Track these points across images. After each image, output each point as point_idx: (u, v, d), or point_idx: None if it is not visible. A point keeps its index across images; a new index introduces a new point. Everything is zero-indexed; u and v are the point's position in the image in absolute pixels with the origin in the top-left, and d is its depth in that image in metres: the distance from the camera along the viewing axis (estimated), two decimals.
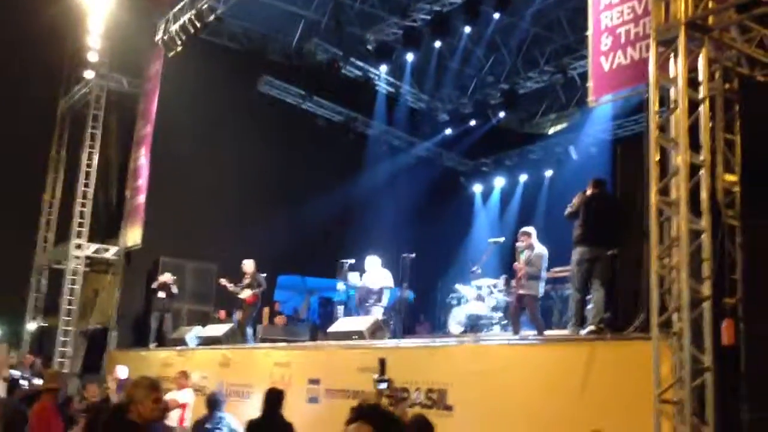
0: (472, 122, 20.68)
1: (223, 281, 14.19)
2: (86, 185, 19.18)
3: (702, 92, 5.88)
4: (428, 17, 16.30)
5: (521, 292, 9.96)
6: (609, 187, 8.95)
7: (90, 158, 19.28)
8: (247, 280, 13.82)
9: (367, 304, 12.19)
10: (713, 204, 5.76)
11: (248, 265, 13.92)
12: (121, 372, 12.80)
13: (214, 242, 16.35)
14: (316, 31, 18.29)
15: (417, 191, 19.46)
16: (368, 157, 19.84)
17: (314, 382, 9.78)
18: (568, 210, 8.89)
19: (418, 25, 16.68)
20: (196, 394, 10.70)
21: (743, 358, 5.57)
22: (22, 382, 11.60)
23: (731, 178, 6.05)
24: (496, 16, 16.44)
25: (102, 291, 19.70)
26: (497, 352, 8.17)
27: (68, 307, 18.51)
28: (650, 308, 5.83)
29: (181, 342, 14.12)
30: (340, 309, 13.85)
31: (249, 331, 13.81)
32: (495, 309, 12.52)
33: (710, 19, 6.01)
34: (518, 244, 10.30)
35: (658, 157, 6.01)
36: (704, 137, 5.83)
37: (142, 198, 17.30)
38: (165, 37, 16.71)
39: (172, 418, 9.74)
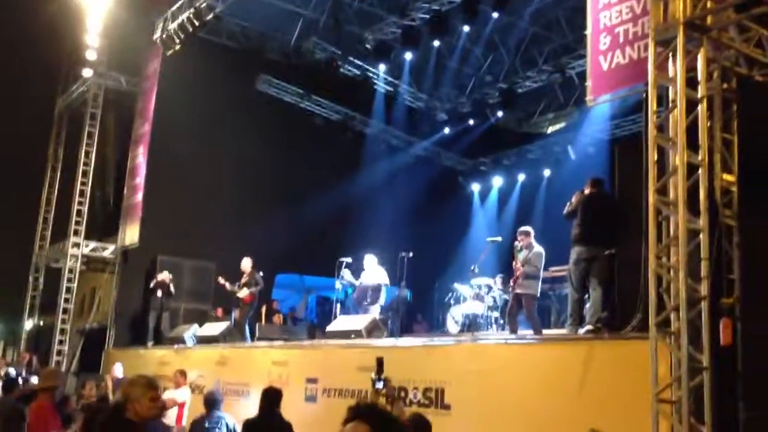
0: (471, 121, 20.70)
1: (221, 280, 14.19)
2: (84, 184, 19.21)
3: (700, 92, 5.88)
4: (427, 16, 16.30)
5: (519, 291, 9.97)
6: (607, 186, 8.95)
7: (88, 157, 19.30)
8: (245, 279, 13.81)
9: (365, 303, 12.19)
10: (711, 203, 5.76)
11: (246, 263, 13.91)
12: (118, 370, 12.81)
13: (211, 241, 16.34)
14: (315, 30, 18.28)
15: (415, 190, 19.47)
16: (366, 156, 19.84)
17: (312, 381, 9.78)
18: (566, 209, 8.90)
19: (416, 24, 16.67)
20: (193, 393, 10.70)
21: (740, 357, 5.58)
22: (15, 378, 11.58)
23: (729, 177, 6.06)
24: (495, 15, 16.43)
25: (99, 289, 19.72)
26: (495, 351, 8.17)
27: (65, 305, 18.51)
28: (648, 308, 5.83)
29: (179, 340, 14.11)
30: (338, 308, 13.85)
31: (247, 329, 13.80)
32: (493, 308, 12.53)
33: (709, 19, 6.01)
34: (516, 243, 10.31)
35: (656, 157, 6.01)
36: (702, 137, 5.83)
37: (139, 196, 17.30)
38: (163, 36, 16.70)
39: (170, 417, 9.73)
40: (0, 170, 21.65)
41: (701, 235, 5.64)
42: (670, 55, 6.04)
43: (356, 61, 19.04)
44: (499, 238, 12.72)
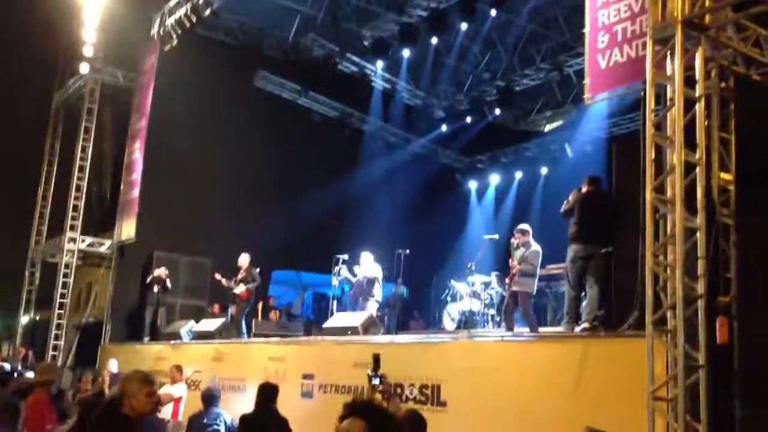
0: (468, 119, 20.70)
1: (218, 276, 14.19)
2: (80, 179, 19.17)
3: (698, 91, 5.89)
4: (425, 13, 16.28)
5: (515, 289, 9.97)
6: (604, 184, 8.96)
7: (84, 152, 19.26)
8: (241, 275, 13.80)
9: (362, 299, 12.20)
10: (708, 202, 5.77)
11: (244, 259, 13.91)
12: (113, 366, 12.79)
13: (208, 237, 16.32)
14: (313, 27, 18.25)
15: (412, 187, 19.49)
16: (364, 153, 19.84)
17: (308, 377, 9.78)
18: (564, 207, 8.90)
19: (414, 22, 16.64)
20: (189, 389, 10.69)
21: (737, 355, 5.59)
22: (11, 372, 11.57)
23: (726, 176, 6.06)
24: (493, 12, 16.43)
25: (96, 284, 19.71)
26: (491, 348, 8.17)
27: (61, 300, 18.50)
28: (644, 306, 5.83)
29: (175, 336, 14.10)
30: (335, 304, 13.86)
31: (243, 325, 13.80)
32: (489, 306, 12.54)
33: (707, 18, 6.02)
34: (513, 240, 10.31)
35: (653, 155, 6.01)
36: (700, 136, 5.83)
37: (136, 192, 17.27)
38: (160, 31, 16.67)
39: (166, 412, 9.73)
40: None
41: (698, 234, 5.65)
42: (668, 53, 6.04)
43: (354, 58, 19.02)
44: (496, 236, 12.72)
